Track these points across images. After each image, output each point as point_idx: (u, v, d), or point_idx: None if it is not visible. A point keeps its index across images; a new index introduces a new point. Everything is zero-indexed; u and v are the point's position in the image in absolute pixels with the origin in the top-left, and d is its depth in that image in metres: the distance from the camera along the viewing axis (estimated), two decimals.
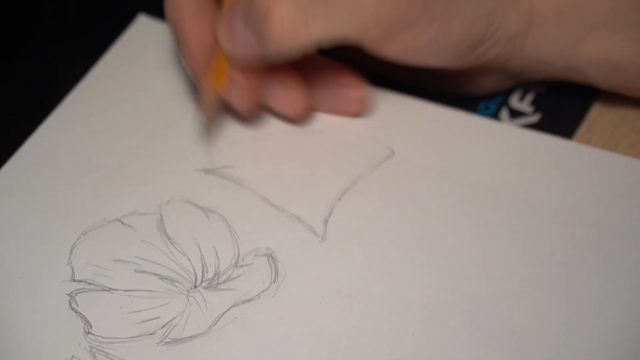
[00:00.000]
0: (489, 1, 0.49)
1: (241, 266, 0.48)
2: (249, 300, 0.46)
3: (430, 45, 0.49)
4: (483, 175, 0.50)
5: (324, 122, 0.53)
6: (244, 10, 0.48)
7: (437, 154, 0.51)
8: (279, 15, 0.47)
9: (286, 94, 0.52)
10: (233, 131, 0.53)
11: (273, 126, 0.53)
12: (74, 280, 0.47)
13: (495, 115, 0.54)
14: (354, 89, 0.53)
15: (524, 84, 0.55)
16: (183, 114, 0.54)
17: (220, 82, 0.51)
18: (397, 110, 0.52)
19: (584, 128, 0.53)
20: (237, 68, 0.50)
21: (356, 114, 0.53)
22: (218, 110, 0.53)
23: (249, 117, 0.53)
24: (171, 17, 0.51)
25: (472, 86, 0.54)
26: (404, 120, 0.53)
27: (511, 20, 0.50)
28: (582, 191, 0.49)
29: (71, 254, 0.48)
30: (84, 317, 0.46)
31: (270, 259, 0.48)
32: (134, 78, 0.56)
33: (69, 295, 0.47)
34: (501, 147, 0.51)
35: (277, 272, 0.47)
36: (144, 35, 0.58)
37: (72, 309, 0.46)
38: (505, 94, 0.55)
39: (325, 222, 0.49)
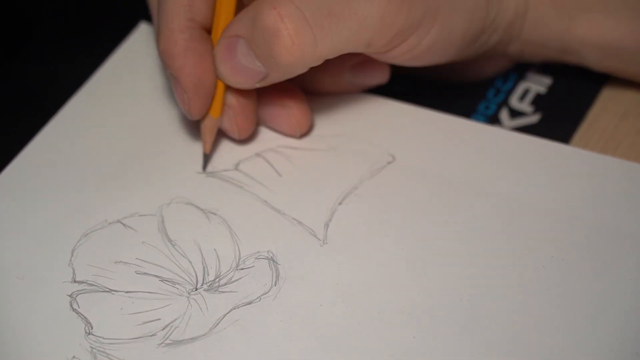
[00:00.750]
0: None
1: (242, 269, 0.48)
2: (249, 303, 0.46)
3: (436, 44, 0.49)
4: (482, 180, 0.50)
5: (326, 127, 0.53)
6: (247, 33, 0.47)
7: (437, 159, 0.51)
8: (287, 33, 0.46)
9: (286, 115, 0.51)
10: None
11: (274, 130, 0.53)
12: (75, 282, 0.48)
13: (495, 115, 0.54)
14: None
15: (525, 80, 0.55)
16: (184, 118, 0.54)
17: (217, 111, 0.50)
18: (397, 117, 0.53)
19: (584, 128, 0.53)
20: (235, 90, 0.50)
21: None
22: (215, 137, 0.52)
23: (240, 138, 0.52)
24: (164, 56, 0.49)
25: (473, 73, 0.55)
26: (405, 126, 0.53)
27: (509, 5, 0.50)
28: (580, 195, 0.49)
29: (72, 255, 0.48)
30: (85, 318, 0.46)
31: (271, 262, 0.48)
32: (135, 83, 0.57)
33: (70, 296, 0.47)
34: (500, 152, 0.51)
35: (277, 275, 0.47)
36: (145, 42, 0.58)
37: (73, 309, 0.47)
38: (506, 94, 0.55)
39: (326, 226, 0.49)
